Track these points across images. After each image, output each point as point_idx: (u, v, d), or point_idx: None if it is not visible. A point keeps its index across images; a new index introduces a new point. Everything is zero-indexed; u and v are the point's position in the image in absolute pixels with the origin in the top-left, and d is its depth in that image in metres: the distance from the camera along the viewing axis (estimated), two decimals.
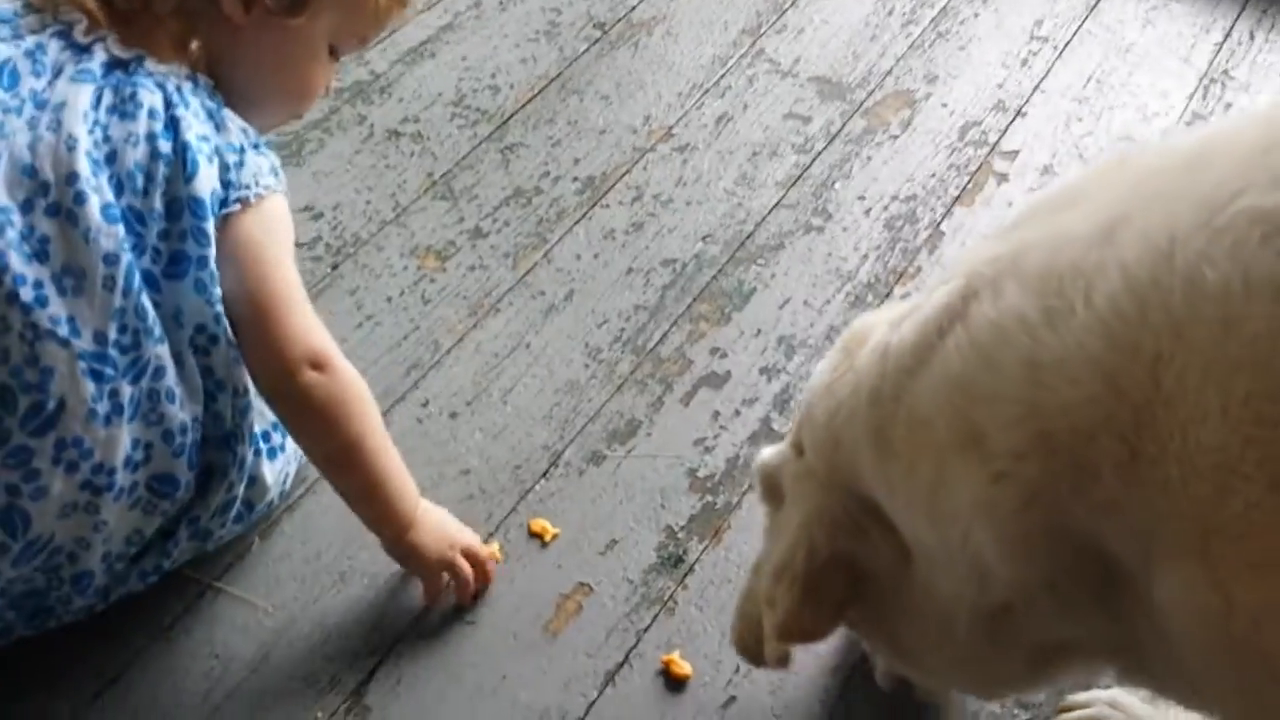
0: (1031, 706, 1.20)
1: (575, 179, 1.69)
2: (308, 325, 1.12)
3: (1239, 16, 1.97)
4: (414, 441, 1.36)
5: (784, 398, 1.44)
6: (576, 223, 1.63)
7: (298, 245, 1.55)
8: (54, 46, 1.02)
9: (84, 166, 0.99)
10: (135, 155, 1.02)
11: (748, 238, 1.62)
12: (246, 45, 1.09)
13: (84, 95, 1.00)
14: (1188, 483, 0.69)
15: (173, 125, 1.03)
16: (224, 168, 1.06)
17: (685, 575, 1.28)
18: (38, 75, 1.01)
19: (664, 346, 1.49)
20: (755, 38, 1.90)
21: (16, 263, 0.97)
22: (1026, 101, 1.83)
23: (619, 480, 1.35)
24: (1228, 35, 1.93)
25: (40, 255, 0.98)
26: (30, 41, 1.02)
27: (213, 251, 1.06)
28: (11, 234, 0.97)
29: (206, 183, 1.04)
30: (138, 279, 1.02)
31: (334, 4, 1.10)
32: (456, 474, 1.35)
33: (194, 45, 1.07)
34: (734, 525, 1.32)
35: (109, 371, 1.02)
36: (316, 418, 1.13)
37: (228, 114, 1.09)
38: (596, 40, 1.88)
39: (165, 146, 1.02)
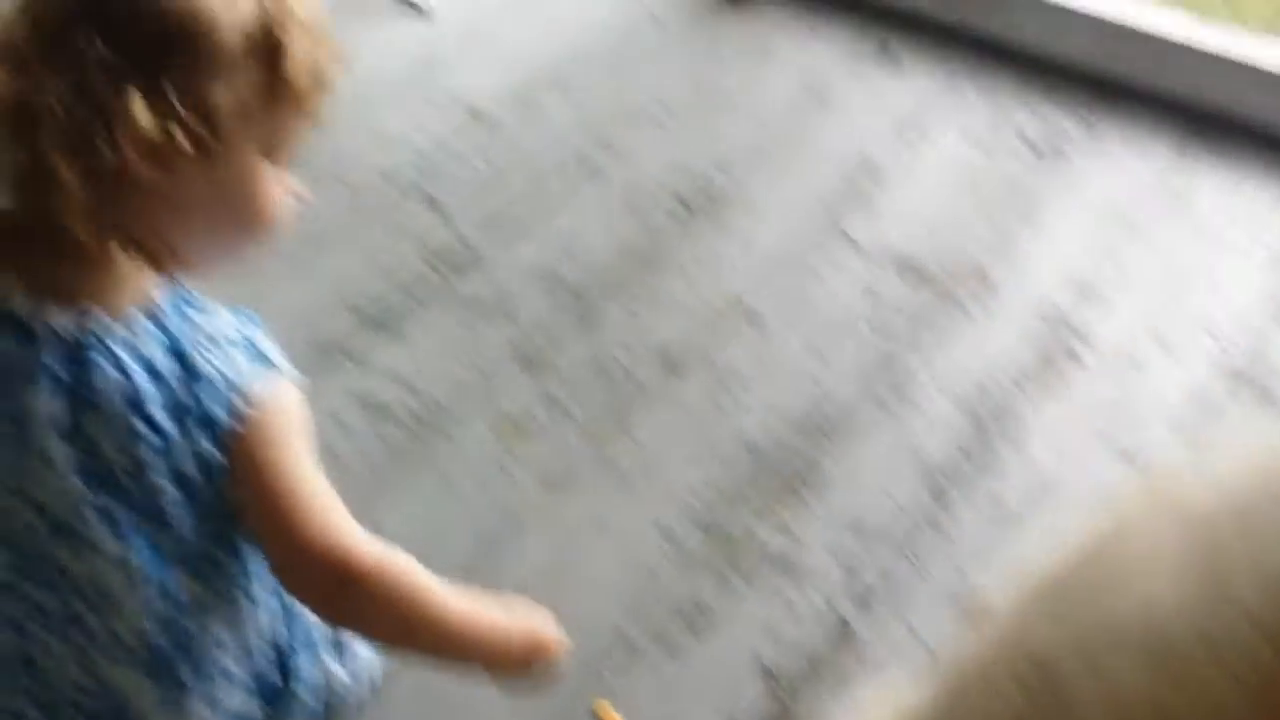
0: None
1: (655, 353, 1.72)
2: (318, 538, 1.03)
3: None
4: None
5: (856, 589, 1.43)
6: (654, 398, 1.66)
7: (382, 413, 1.61)
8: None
9: (89, 517, 0.97)
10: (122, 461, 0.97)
11: (824, 418, 1.64)
12: (178, 202, 0.96)
13: (54, 404, 0.95)
14: None
15: (138, 405, 0.97)
16: (205, 420, 0.99)
17: None
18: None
19: (736, 527, 1.50)
20: (836, 216, 1.95)
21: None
22: (1106, 285, 1.84)
23: (690, 667, 1.35)
24: None
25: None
26: None
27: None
28: None
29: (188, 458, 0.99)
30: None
31: (247, 122, 0.96)
32: None
33: (125, 255, 0.96)
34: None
35: None
36: (360, 626, 1.08)
37: (189, 331, 1.00)
38: (679, 216, 1.94)
39: (143, 429, 0.97)
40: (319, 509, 1.04)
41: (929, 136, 2.07)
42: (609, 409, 1.65)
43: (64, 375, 0.96)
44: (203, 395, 1.00)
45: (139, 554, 1.00)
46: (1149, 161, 2.04)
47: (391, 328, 1.74)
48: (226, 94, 0.94)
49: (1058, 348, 1.74)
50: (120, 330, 0.99)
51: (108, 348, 0.98)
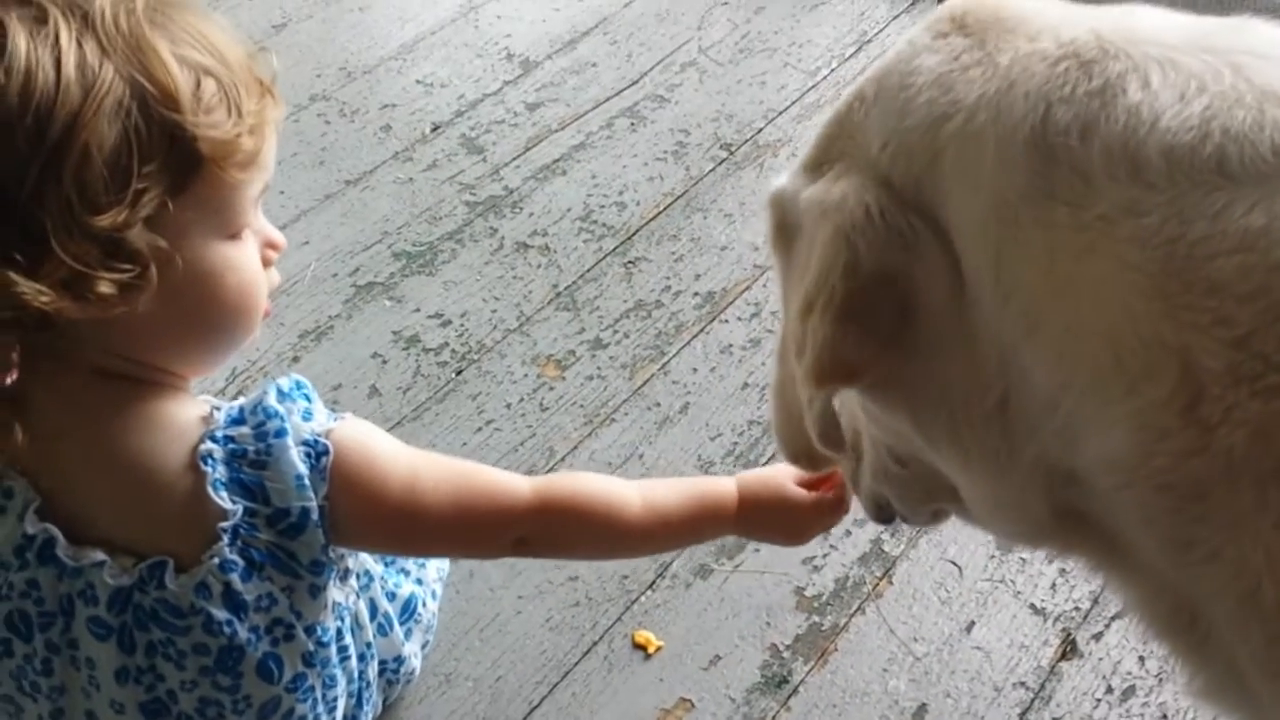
0: None
1: (695, 294, 1.72)
2: (488, 514, 1.00)
3: None
4: None
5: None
6: (694, 337, 1.65)
7: (426, 350, 1.62)
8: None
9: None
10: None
11: None
12: (158, 324, 0.85)
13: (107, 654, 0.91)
14: None
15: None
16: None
17: (789, 697, 1.26)
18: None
19: (776, 463, 1.48)
20: None
21: None
22: None
23: (725, 595, 1.34)
24: None
25: None
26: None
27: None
28: None
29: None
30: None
31: (186, 221, 0.83)
32: (564, 580, 1.36)
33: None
34: (841, 648, 1.30)
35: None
36: (554, 554, 1.16)
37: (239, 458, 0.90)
38: (723, 160, 1.93)
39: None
40: (452, 489, 0.98)
41: None
42: (649, 348, 1.64)
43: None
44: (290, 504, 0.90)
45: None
46: None
47: (433, 269, 1.74)
48: (123, 213, 0.78)
49: None
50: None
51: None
